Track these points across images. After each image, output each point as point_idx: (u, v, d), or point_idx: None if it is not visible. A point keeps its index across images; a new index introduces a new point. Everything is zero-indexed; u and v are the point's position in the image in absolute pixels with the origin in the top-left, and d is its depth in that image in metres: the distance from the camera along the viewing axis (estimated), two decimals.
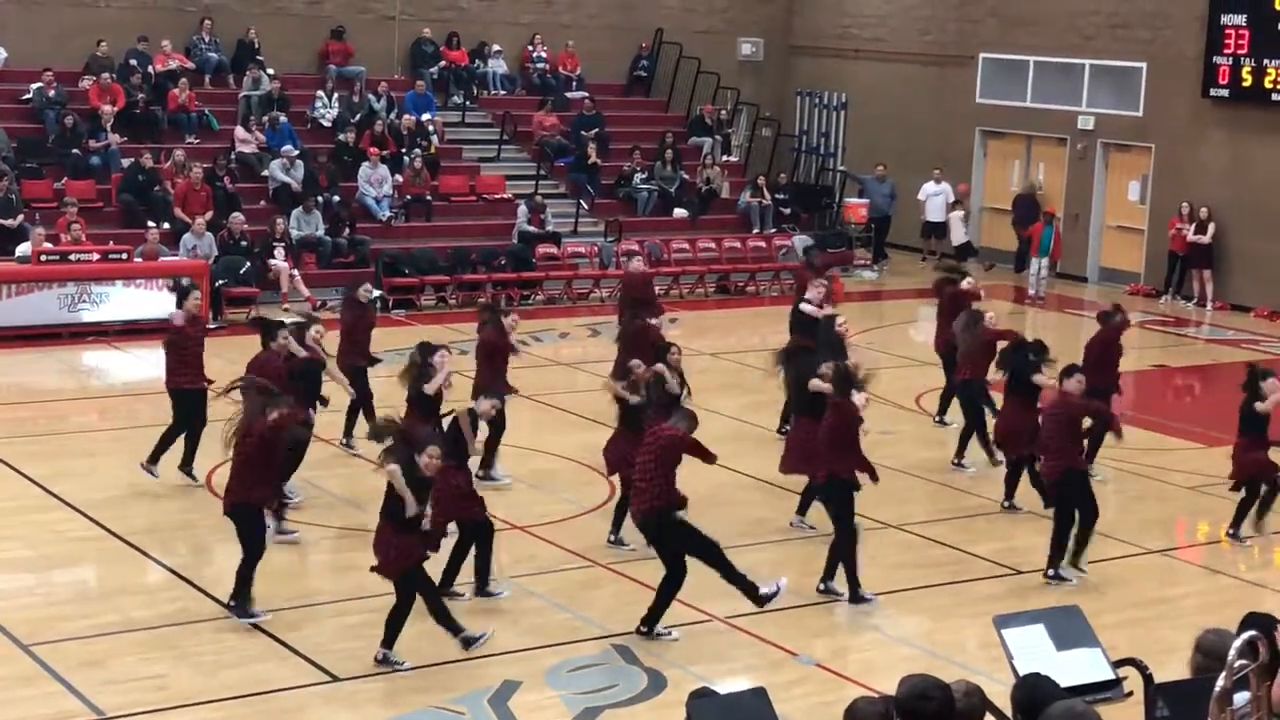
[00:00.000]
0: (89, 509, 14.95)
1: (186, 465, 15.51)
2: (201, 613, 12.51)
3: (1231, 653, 4.87)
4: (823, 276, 19.19)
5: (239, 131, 27.44)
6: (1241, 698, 4.97)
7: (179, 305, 16.00)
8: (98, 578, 13.63)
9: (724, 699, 8.21)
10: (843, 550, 13.20)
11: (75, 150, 26.00)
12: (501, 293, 24.60)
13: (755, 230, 29.76)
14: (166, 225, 24.76)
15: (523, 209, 27.62)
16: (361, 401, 16.63)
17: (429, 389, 14.36)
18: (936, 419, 18.58)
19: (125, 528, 14.46)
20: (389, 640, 11.59)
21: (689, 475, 13.49)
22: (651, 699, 11.23)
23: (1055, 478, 13.82)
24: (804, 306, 18.20)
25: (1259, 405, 14.48)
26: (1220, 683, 4.61)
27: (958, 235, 30.59)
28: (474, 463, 14.12)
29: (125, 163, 25.92)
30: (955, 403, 17.76)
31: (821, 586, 13.30)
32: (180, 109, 27.58)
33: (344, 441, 16.78)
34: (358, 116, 28.73)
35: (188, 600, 12.76)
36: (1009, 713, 6.51)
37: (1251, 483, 14.87)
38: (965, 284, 18.38)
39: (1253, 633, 5.15)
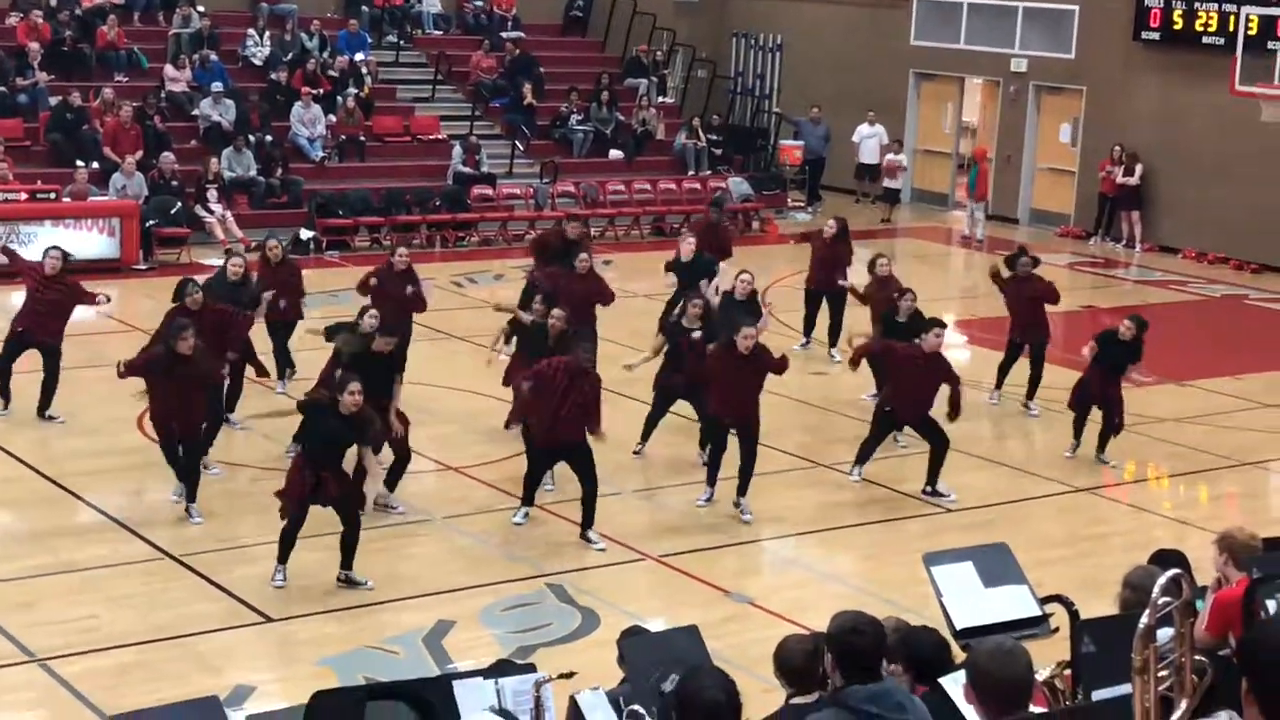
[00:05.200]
0: (17, 451, 14.83)
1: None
2: (133, 555, 12.46)
3: (1155, 590, 4.94)
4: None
5: (169, 70, 27.13)
6: (1165, 634, 5.04)
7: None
8: (28, 520, 13.52)
9: (656, 636, 8.26)
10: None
11: (2, 88, 25.63)
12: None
13: (690, 172, 29.72)
14: (95, 164, 24.49)
15: (457, 150, 27.48)
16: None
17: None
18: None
19: (55, 470, 14.37)
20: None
21: (623, 416, 13.61)
22: (585, 637, 11.29)
23: None
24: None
25: None
26: (1144, 620, 4.67)
27: (890, 180, 30.68)
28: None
29: (53, 101, 25.59)
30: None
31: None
32: (109, 46, 27.25)
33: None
34: (290, 55, 28.47)
35: (119, 543, 12.70)
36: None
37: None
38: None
39: (1177, 570, 5.23)
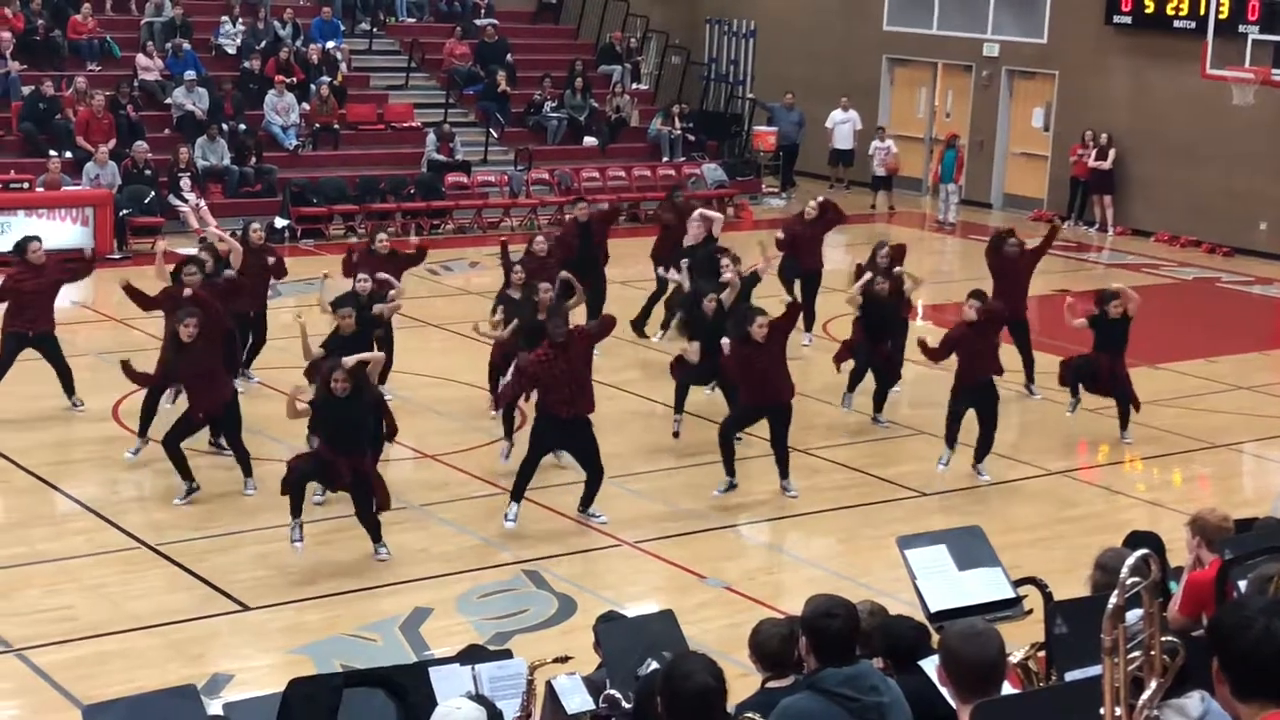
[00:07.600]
0: None
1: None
2: (109, 544, 12.45)
3: (1124, 570, 4.97)
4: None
5: (141, 59, 27.05)
6: (1134, 615, 5.08)
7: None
8: (3, 510, 13.52)
9: (632, 622, 8.32)
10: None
11: None
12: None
13: (665, 159, 29.76)
14: (69, 154, 24.41)
15: (431, 138, 27.46)
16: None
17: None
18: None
19: (31, 460, 14.34)
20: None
21: (603, 401, 13.62)
22: (562, 623, 11.32)
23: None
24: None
25: None
26: (1113, 600, 4.70)
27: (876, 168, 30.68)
28: None
29: (25, 90, 25.50)
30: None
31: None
32: (81, 35, 27.16)
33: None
34: (263, 44, 28.40)
35: (95, 532, 12.69)
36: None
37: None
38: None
39: (1145, 550, 5.27)
